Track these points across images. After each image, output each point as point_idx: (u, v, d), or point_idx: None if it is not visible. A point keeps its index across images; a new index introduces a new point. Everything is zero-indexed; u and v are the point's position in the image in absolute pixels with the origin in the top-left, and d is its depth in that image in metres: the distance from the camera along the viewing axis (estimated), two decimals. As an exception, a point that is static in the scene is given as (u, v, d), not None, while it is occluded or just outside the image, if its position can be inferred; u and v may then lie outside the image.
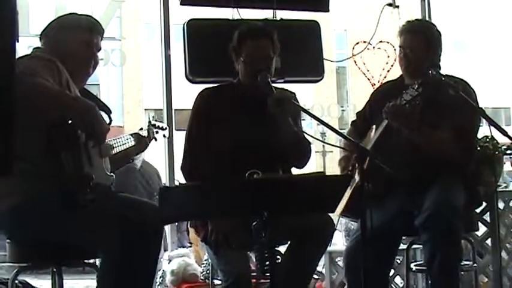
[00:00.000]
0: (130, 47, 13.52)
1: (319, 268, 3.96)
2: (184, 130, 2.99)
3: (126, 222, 2.30)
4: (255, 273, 2.84)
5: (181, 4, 4.09)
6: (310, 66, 4.18)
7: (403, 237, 3.12)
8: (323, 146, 16.11)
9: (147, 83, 16.38)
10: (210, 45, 3.78)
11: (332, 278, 4.42)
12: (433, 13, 5.23)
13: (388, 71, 8.33)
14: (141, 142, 3.04)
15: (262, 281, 2.92)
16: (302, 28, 4.19)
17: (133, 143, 2.96)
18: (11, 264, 2.57)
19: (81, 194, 2.29)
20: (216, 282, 2.99)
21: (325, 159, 17.73)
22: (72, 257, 2.57)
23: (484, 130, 3.03)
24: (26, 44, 3.73)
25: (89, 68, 2.67)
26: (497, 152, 3.68)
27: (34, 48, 2.64)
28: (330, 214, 2.81)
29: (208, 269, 3.88)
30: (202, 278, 4.30)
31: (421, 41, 3.07)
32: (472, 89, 3.07)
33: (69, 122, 2.30)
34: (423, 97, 2.90)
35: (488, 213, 3.73)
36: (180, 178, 3.39)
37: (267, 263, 2.09)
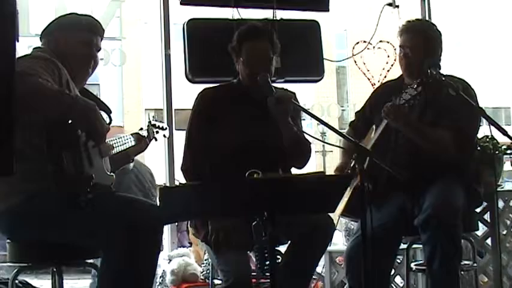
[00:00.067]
0: (130, 46, 13.52)
1: (318, 268, 3.95)
2: (184, 130, 2.99)
3: (126, 222, 2.30)
4: (255, 273, 2.84)
5: (181, 4, 4.09)
6: (310, 66, 4.19)
7: (403, 237, 3.12)
8: (323, 145, 16.12)
9: (147, 82, 16.36)
10: (210, 45, 3.78)
11: (332, 278, 4.43)
12: (433, 13, 5.23)
13: (388, 70, 8.33)
14: (141, 142, 3.04)
15: (262, 281, 2.93)
16: (302, 28, 4.19)
17: (133, 143, 2.96)
18: (11, 264, 2.57)
19: (81, 194, 2.29)
20: (216, 282, 2.98)
21: (325, 159, 17.73)
22: (72, 256, 2.57)
23: (484, 130, 3.03)
24: (26, 44, 3.74)
25: (88, 68, 2.67)
26: (497, 152, 3.68)
27: (34, 48, 2.65)
28: (330, 214, 2.81)
29: (208, 269, 3.88)
30: (202, 277, 4.30)
31: (421, 40, 3.07)
32: (472, 89, 3.07)
33: (69, 122, 2.30)
34: (423, 97, 2.90)
35: (488, 213, 3.73)
36: (180, 178, 3.39)
37: (267, 262, 2.09)
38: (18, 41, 1.56)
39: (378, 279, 2.73)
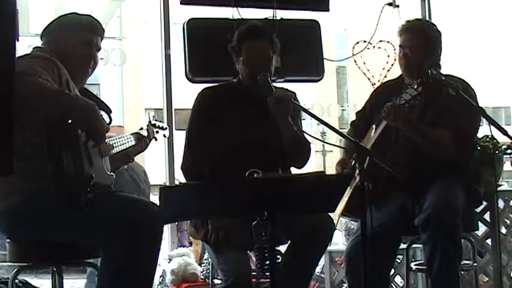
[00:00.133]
0: (130, 46, 13.51)
1: (317, 269, 3.96)
2: (184, 130, 2.99)
3: (126, 222, 2.30)
4: (255, 273, 2.84)
5: (181, 3, 4.09)
6: (310, 65, 4.19)
7: (403, 237, 3.12)
8: (323, 145, 16.14)
9: (147, 82, 16.37)
10: (210, 44, 3.78)
11: (332, 277, 4.43)
12: (433, 13, 5.23)
13: (388, 70, 8.31)
14: (142, 142, 3.04)
15: (262, 280, 2.93)
16: (302, 28, 4.19)
17: (133, 142, 2.96)
18: (11, 263, 2.57)
19: (81, 194, 2.29)
20: (216, 281, 2.98)
21: (325, 158, 17.74)
22: (72, 256, 2.57)
23: (484, 129, 3.04)
24: (26, 44, 3.73)
25: (88, 67, 2.67)
26: (497, 152, 3.68)
27: (34, 48, 2.65)
28: (330, 214, 2.81)
29: (208, 269, 3.88)
30: (202, 277, 4.30)
31: (420, 40, 3.07)
32: (472, 89, 3.07)
33: (69, 121, 2.30)
34: (423, 96, 2.90)
35: (488, 212, 3.73)
36: (180, 177, 3.39)
37: (267, 262, 2.09)
38: (18, 40, 1.55)
39: (377, 279, 2.73)
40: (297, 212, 2.52)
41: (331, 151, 17.12)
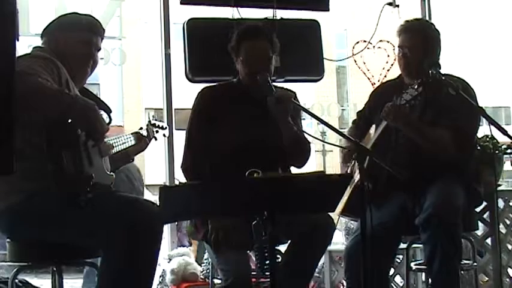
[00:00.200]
0: (130, 46, 13.50)
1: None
2: (184, 129, 2.99)
3: (126, 221, 2.30)
4: (254, 273, 2.84)
5: (181, 3, 4.09)
6: (310, 65, 4.19)
7: (403, 237, 3.12)
8: (323, 145, 16.14)
9: (147, 82, 16.37)
10: (210, 44, 3.78)
11: (332, 277, 4.43)
12: (433, 13, 5.23)
13: (388, 70, 8.31)
14: (141, 141, 3.04)
15: (262, 280, 2.93)
16: (302, 27, 4.19)
17: (133, 142, 2.96)
18: (10, 263, 2.57)
19: (81, 193, 2.29)
20: (216, 281, 2.99)
21: (325, 158, 17.75)
22: (72, 256, 2.57)
23: (484, 129, 3.04)
24: (26, 43, 3.74)
25: (88, 67, 2.67)
26: (497, 151, 3.68)
27: (34, 47, 2.65)
28: (330, 213, 2.81)
29: (208, 268, 3.88)
30: (202, 277, 4.30)
31: (419, 40, 3.07)
32: (472, 88, 3.07)
33: (69, 121, 2.30)
34: (423, 96, 2.90)
35: (488, 212, 3.73)
36: (180, 177, 3.39)
37: (267, 262, 2.09)
38: (18, 40, 1.55)
39: (376, 278, 2.73)
40: (297, 212, 2.52)
41: (331, 151, 17.13)
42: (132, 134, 3.00)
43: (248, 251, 2.92)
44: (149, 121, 3.21)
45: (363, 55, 7.98)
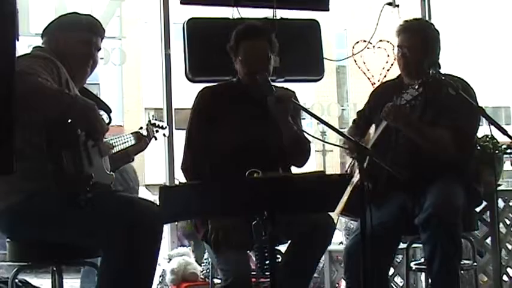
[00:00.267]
0: (130, 46, 13.50)
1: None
2: (184, 129, 2.99)
3: (126, 221, 2.30)
4: (254, 273, 2.84)
5: (181, 3, 4.09)
6: (310, 65, 4.19)
7: (403, 236, 3.12)
8: (323, 145, 16.14)
9: (147, 82, 16.37)
10: (210, 44, 3.78)
11: (332, 277, 4.42)
12: (433, 13, 5.23)
13: (388, 70, 8.31)
14: (141, 141, 3.04)
15: (262, 280, 2.93)
16: (302, 27, 4.19)
17: (133, 142, 2.97)
18: (10, 263, 2.57)
19: (81, 193, 2.29)
20: (216, 281, 2.99)
21: (325, 158, 17.75)
22: (72, 256, 2.57)
23: (484, 129, 3.04)
24: (26, 43, 3.74)
25: (87, 67, 2.67)
26: (497, 151, 3.68)
27: (34, 47, 2.65)
28: (330, 213, 2.81)
29: (208, 268, 3.88)
30: (202, 277, 4.30)
31: (418, 40, 3.07)
32: (472, 88, 3.07)
33: (69, 121, 2.31)
34: (423, 96, 2.90)
35: (488, 212, 3.73)
36: (180, 177, 3.39)
37: (267, 262, 2.09)
38: (18, 40, 1.56)
39: (376, 278, 2.73)
40: (297, 212, 2.52)
41: (331, 151, 17.15)
42: (132, 133, 3.01)
43: (248, 251, 2.92)
44: (149, 121, 3.21)
45: (362, 55, 7.97)
